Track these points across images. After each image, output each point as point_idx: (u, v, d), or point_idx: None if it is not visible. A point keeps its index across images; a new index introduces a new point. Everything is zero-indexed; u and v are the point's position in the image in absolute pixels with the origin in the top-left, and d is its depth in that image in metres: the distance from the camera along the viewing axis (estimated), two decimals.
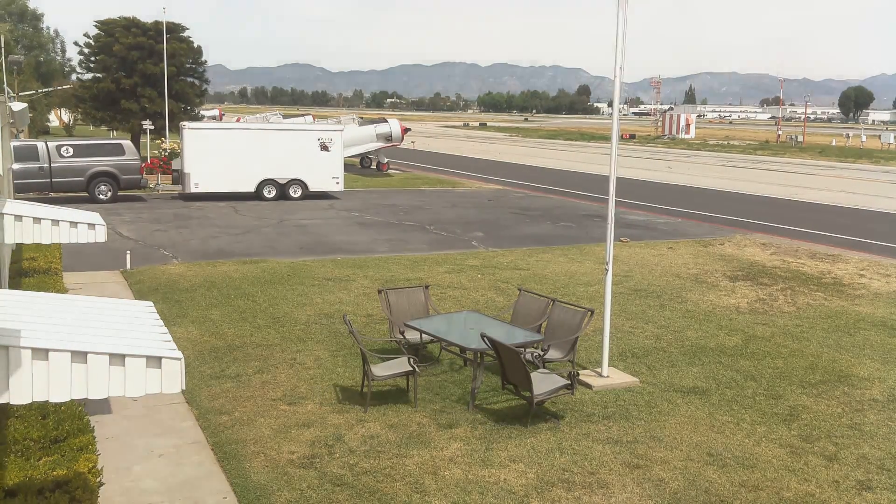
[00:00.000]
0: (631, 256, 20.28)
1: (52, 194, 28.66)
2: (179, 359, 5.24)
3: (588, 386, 10.69)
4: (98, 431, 7.62)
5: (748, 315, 14.77)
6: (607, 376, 11.00)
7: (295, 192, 30.87)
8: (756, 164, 58.29)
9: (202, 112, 52.77)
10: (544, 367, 10.43)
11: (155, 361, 5.16)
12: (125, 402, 9.51)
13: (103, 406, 9.40)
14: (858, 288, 17.33)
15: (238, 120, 58.89)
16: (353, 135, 42.92)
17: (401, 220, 26.39)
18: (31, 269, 13.40)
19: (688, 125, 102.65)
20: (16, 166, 25.05)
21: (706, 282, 17.51)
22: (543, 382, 9.56)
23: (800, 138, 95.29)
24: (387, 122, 46.54)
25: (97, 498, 6.06)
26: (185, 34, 45.01)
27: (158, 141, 41.25)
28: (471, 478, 8.07)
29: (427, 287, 12.36)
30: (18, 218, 10.13)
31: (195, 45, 45.33)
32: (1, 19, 60.85)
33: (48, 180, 27.79)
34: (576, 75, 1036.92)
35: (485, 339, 9.63)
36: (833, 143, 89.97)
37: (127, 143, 30.00)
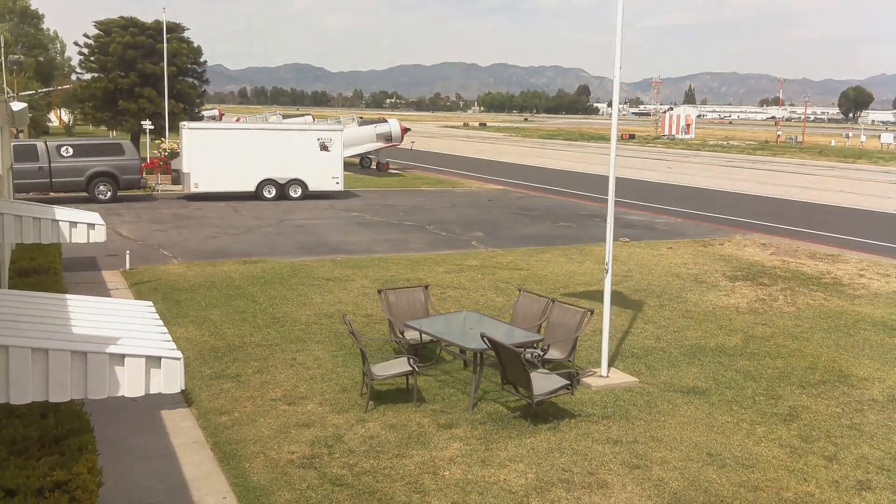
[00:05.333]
0: (631, 256, 20.29)
1: (52, 194, 28.66)
2: (179, 359, 5.24)
3: (588, 386, 10.70)
4: (98, 431, 7.62)
5: (748, 315, 14.77)
6: (607, 376, 11.01)
7: (295, 192, 30.86)
8: (756, 165, 58.30)
9: (202, 112, 52.77)
10: (544, 368, 10.43)
11: (155, 361, 5.17)
12: (125, 402, 9.50)
13: (103, 406, 9.39)
14: (858, 288, 17.33)
15: (238, 120, 58.89)
16: (353, 135, 42.92)
17: (400, 220, 26.39)
18: (31, 269, 13.40)
19: (687, 125, 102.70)
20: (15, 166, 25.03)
21: (706, 282, 17.51)
22: (543, 382, 9.56)
23: (799, 138, 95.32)
24: (387, 122, 46.55)
25: (97, 498, 6.06)
26: (185, 34, 45.07)
27: (158, 141, 41.26)
28: (470, 478, 8.07)
29: (427, 287, 12.36)
30: (18, 218, 10.13)
31: (195, 45, 45.39)
32: (1, 19, 60.83)
33: (48, 180, 27.79)
34: (576, 75, 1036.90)
35: (484, 339, 9.63)
36: (833, 144, 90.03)
37: (127, 143, 29.99)
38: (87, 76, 45.39)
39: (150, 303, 7.04)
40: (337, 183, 31.37)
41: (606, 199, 11.35)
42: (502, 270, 18.26)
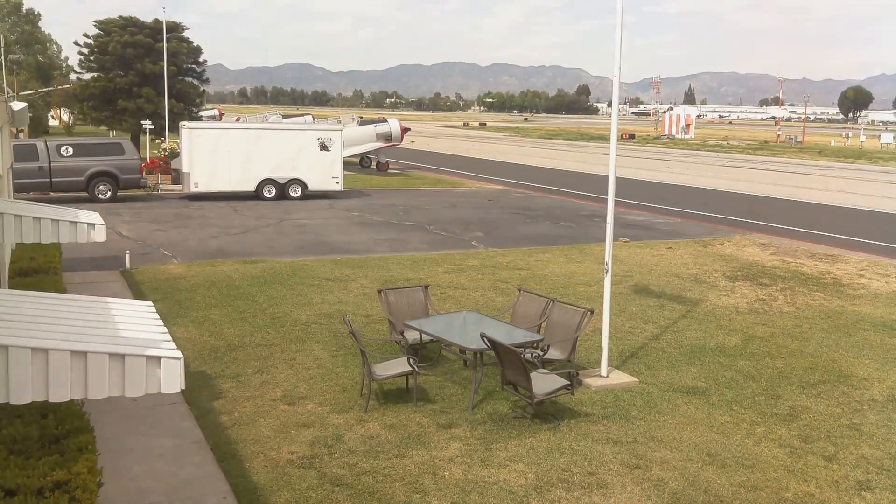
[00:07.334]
0: (631, 256, 20.29)
1: (52, 194, 28.65)
2: (179, 359, 5.25)
3: (588, 386, 10.70)
4: (98, 431, 7.61)
5: (748, 315, 14.77)
6: (607, 376, 11.01)
7: (294, 192, 30.85)
8: (755, 165, 58.31)
9: (202, 112, 52.75)
10: (544, 368, 10.43)
11: (155, 361, 5.17)
12: (125, 402, 9.51)
13: (103, 406, 9.39)
14: (858, 288, 17.34)
15: (238, 120, 58.86)
16: (353, 135, 42.92)
17: (400, 219, 26.39)
18: (31, 269, 13.40)
19: (687, 125, 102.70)
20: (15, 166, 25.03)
21: (706, 282, 17.51)
22: (543, 382, 9.56)
23: (799, 138, 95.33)
24: (387, 121, 46.56)
25: (97, 498, 6.05)
26: (185, 34, 45.06)
27: (158, 141, 41.24)
28: (470, 478, 8.07)
29: (427, 287, 12.36)
30: (18, 218, 10.13)
31: (194, 44, 45.39)
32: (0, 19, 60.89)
33: (48, 180, 27.78)
34: (575, 75, 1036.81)
35: (484, 339, 9.63)
36: (832, 144, 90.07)
37: (127, 143, 29.98)
38: (87, 76, 45.41)
39: (150, 303, 7.04)
40: (337, 183, 31.37)
41: (606, 199, 11.35)
42: (502, 270, 18.27)
